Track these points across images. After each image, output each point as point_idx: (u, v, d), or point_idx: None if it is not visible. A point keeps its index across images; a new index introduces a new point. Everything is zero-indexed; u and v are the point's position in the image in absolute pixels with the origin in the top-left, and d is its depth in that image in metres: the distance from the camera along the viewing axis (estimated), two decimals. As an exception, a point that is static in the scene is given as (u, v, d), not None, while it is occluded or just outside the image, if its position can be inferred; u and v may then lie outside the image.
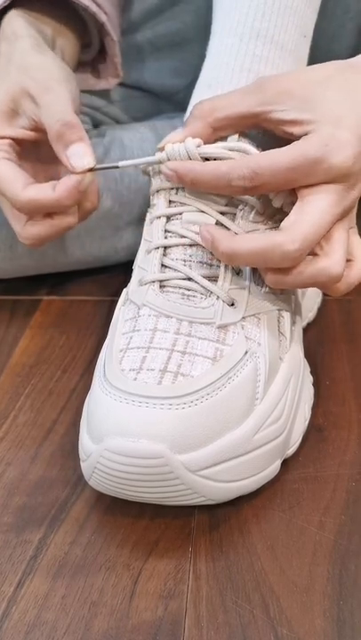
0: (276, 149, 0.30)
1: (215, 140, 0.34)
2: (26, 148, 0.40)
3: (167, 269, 0.34)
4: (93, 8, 0.42)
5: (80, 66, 0.48)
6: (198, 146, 0.33)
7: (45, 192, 0.37)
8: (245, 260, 0.31)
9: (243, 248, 0.31)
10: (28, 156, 0.40)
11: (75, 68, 0.45)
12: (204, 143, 0.33)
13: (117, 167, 0.36)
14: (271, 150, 0.31)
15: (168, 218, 0.35)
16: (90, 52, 0.47)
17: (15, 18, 0.41)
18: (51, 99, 0.37)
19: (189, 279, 0.33)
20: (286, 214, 0.31)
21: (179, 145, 0.33)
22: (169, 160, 0.33)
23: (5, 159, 0.38)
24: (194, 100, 0.38)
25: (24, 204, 0.37)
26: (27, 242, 0.40)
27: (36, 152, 0.40)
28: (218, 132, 0.33)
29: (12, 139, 0.39)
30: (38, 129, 0.39)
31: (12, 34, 0.40)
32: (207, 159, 0.33)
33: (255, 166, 0.30)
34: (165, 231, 0.34)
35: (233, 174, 0.31)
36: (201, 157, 0.33)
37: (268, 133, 0.33)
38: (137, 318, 0.33)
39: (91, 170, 0.36)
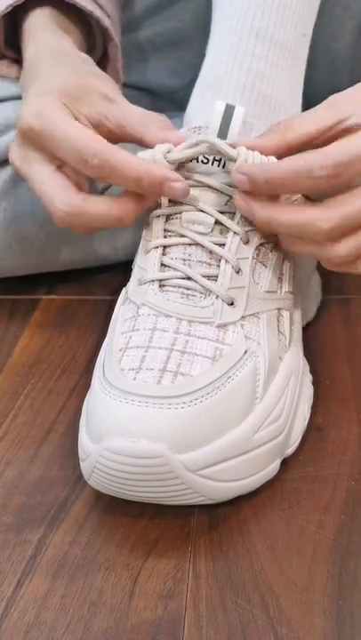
0: (346, 138, 0.31)
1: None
2: None
3: (167, 268, 0.34)
4: (98, 13, 0.42)
5: None
6: (169, 151, 0.33)
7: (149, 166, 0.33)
8: (283, 229, 0.32)
9: (282, 218, 0.31)
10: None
11: None
12: (277, 158, 0.32)
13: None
14: (341, 140, 0.31)
15: (167, 217, 0.35)
16: (93, 56, 0.47)
17: (39, 16, 0.41)
18: (123, 99, 0.37)
19: (189, 278, 0.33)
20: None
21: (152, 151, 0.33)
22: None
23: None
24: (193, 99, 0.38)
25: (95, 158, 0.33)
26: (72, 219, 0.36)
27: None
28: (293, 149, 0.33)
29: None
30: (98, 126, 0.37)
31: (51, 29, 0.40)
32: (181, 165, 0.33)
33: (336, 153, 0.30)
34: (165, 230, 0.34)
35: (315, 165, 0.30)
36: (171, 163, 0.33)
37: None
38: (136, 317, 0.33)
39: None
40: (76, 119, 0.36)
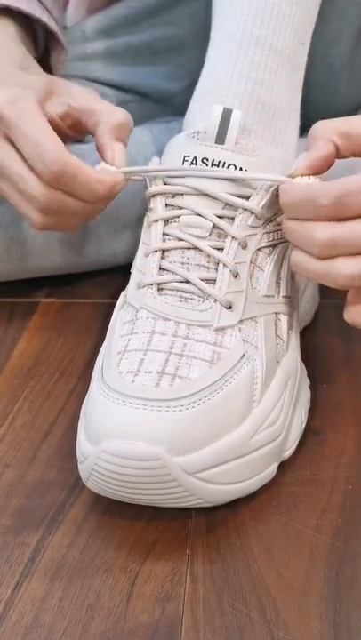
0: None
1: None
2: None
3: (165, 272, 0.34)
4: (44, 17, 0.43)
5: None
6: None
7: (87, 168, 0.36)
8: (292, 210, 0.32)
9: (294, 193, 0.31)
10: None
11: None
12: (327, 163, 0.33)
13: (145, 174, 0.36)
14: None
15: (166, 221, 0.35)
16: (37, 52, 0.48)
17: None
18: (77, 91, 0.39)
19: (187, 282, 0.33)
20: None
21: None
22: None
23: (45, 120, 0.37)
24: (193, 105, 0.38)
25: (56, 163, 0.34)
26: (39, 219, 0.38)
27: None
28: (344, 152, 0.33)
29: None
30: (66, 117, 0.39)
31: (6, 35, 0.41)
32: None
33: (338, 186, 0.30)
34: (163, 234, 0.35)
35: (318, 195, 0.30)
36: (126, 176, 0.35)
37: None
38: (135, 321, 0.33)
39: (124, 173, 0.37)
40: (48, 118, 0.37)
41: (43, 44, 0.47)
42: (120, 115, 0.39)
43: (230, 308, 0.33)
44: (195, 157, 0.34)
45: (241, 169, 0.34)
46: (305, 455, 0.35)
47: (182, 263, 0.34)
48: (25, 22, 0.44)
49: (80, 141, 0.50)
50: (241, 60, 0.36)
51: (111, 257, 0.52)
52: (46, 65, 0.47)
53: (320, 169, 0.33)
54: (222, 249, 0.34)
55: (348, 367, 0.42)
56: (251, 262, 0.34)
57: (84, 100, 0.40)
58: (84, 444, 0.30)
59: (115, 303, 0.37)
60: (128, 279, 0.37)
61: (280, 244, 0.36)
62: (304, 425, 0.36)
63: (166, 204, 0.35)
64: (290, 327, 0.36)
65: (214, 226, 0.34)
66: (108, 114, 0.39)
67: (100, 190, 0.36)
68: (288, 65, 0.36)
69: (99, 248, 0.51)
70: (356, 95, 0.57)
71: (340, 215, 0.30)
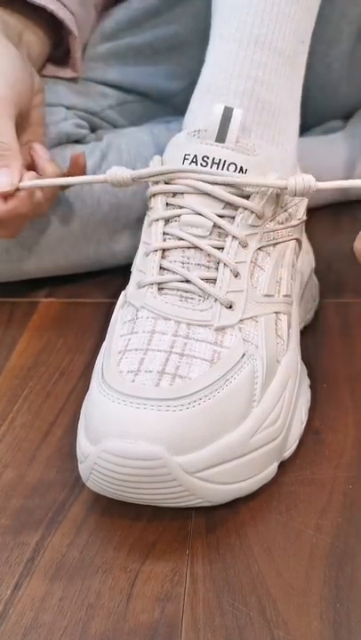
0: None
1: None
2: None
3: (165, 272, 0.34)
4: (51, 6, 0.44)
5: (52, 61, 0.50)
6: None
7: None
8: None
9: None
10: None
11: (41, 64, 0.48)
12: None
13: (65, 187, 0.39)
14: None
15: (166, 220, 0.35)
16: (59, 51, 0.49)
17: None
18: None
19: (187, 281, 0.33)
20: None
21: (122, 170, 0.36)
22: (111, 182, 0.36)
23: None
24: (193, 105, 0.38)
25: None
26: None
27: None
28: None
29: None
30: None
31: None
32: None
33: None
34: (164, 234, 0.35)
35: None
36: (134, 180, 0.35)
37: None
38: (135, 320, 0.33)
39: (17, 190, 0.39)
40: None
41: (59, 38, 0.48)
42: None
43: (231, 307, 0.33)
44: (195, 156, 0.34)
45: (241, 168, 0.34)
46: (305, 455, 0.35)
47: (183, 262, 0.34)
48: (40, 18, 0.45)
49: (78, 141, 0.50)
50: (241, 60, 0.36)
51: (111, 257, 0.52)
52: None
53: None
54: (223, 248, 0.34)
55: (348, 367, 0.42)
56: (251, 261, 0.34)
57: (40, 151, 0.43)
58: (84, 444, 0.30)
59: (115, 303, 0.37)
60: (128, 279, 0.37)
61: (280, 243, 0.36)
62: (304, 425, 0.36)
63: (167, 204, 0.35)
64: (290, 326, 0.36)
65: (215, 225, 0.34)
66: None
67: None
68: (288, 64, 0.36)
69: (98, 248, 0.51)
70: (356, 95, 0.57)
71: None
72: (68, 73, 0.50)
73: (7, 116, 0.39)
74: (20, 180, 0.39)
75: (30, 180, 0.39)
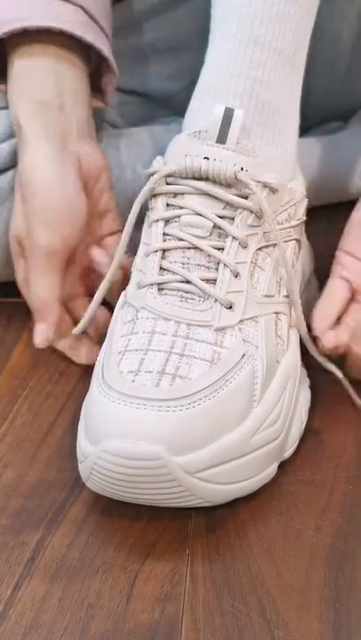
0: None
1: None
2: None
3: (165, 272, 0.34)
4: (97, 43, 0.41)
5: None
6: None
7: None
8: None
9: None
10: None
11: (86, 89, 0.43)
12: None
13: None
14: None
15: (166, 221, 0.35)
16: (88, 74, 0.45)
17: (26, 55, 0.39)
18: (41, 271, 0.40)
19: (188, 282, 0.33)
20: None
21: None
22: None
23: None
24: (193, 105, 0.38)
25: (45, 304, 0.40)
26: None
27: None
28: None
29: None
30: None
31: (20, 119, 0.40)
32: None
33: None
34: (164, 234, 0.35)
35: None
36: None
37: None
38: (135, 321, 0.33)
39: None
40: None
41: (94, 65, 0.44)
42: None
43: (231, 307, 0.33)
44: (196, 156, 0.34)
45: (242, 169, 0.34)
46: (305, 455, 0.35)
47: (183, 263, 0.34)
48: (76, 44, 0.41)
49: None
50: (240, 60, 0.36)
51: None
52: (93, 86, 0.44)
53: None
54: (223, 249, 0.34)
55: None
56: (251, 262, 0.34)
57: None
58: (84, 444, 0.30)
59: (115, 303, 0.37)
60: (128, 279, 0.37)
61: (280, 243, 0.36)
62: (304, 425, 0.36)
63: (167, 204, 0.35)
64: (290, 327, 0.36)
65: (215, 225, 0.34)
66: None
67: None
68: (288, 64, 0.36)
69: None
70: (356, 95, 0.57)
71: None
72: (94, 102, 0.44)
73: (53, 272, 0.39)
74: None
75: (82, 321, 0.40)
